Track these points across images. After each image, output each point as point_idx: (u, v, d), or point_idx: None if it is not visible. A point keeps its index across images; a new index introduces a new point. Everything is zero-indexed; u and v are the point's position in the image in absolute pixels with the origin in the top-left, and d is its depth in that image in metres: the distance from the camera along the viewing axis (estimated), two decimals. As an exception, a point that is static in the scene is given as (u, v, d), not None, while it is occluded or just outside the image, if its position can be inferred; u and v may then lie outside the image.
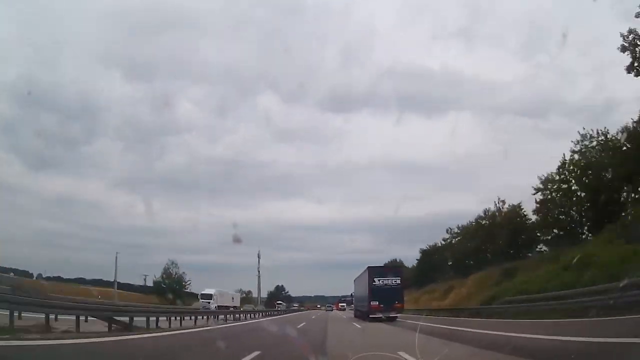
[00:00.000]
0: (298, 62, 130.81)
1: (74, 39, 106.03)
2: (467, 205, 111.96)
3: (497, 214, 48.29)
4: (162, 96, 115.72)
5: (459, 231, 58.00)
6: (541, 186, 36.13)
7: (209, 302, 46.85)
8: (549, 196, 35.71)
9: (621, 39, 26.84)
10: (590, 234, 32.61)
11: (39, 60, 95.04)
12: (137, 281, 76.06)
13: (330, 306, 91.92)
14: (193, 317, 24.31)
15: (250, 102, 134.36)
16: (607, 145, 31.13)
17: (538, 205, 36.92)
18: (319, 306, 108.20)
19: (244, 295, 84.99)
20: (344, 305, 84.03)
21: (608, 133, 31.55)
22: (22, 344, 9.54)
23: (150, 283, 71.05)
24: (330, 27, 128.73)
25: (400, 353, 8.58)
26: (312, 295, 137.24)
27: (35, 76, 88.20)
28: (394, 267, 40.31)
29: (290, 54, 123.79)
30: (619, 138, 30.55)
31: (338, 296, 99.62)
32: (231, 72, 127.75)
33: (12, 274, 47.05)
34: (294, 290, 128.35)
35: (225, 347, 11.41)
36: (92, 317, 16.50)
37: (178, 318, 22.30)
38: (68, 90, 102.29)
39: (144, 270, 74.42)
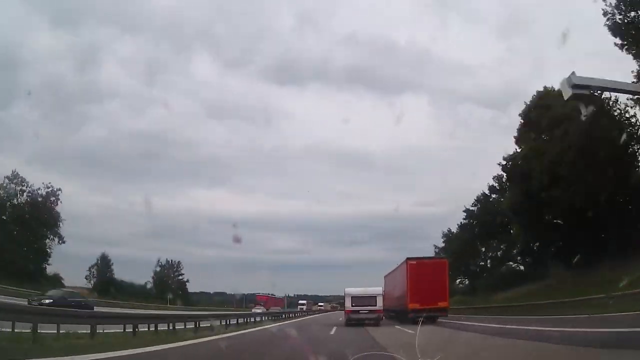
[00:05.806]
0: (246, 19, 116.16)
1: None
2: (406, 206, 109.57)
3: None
4: (87, 49, 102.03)
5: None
6: None
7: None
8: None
9: None
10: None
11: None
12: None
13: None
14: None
15: (184, 65, 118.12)
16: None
17: None
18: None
19: None
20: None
21: None
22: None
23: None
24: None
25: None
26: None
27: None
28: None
29: (239, 6, 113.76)
30: None
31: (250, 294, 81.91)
32: (167, 23, 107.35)
33: None
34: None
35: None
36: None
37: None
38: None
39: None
